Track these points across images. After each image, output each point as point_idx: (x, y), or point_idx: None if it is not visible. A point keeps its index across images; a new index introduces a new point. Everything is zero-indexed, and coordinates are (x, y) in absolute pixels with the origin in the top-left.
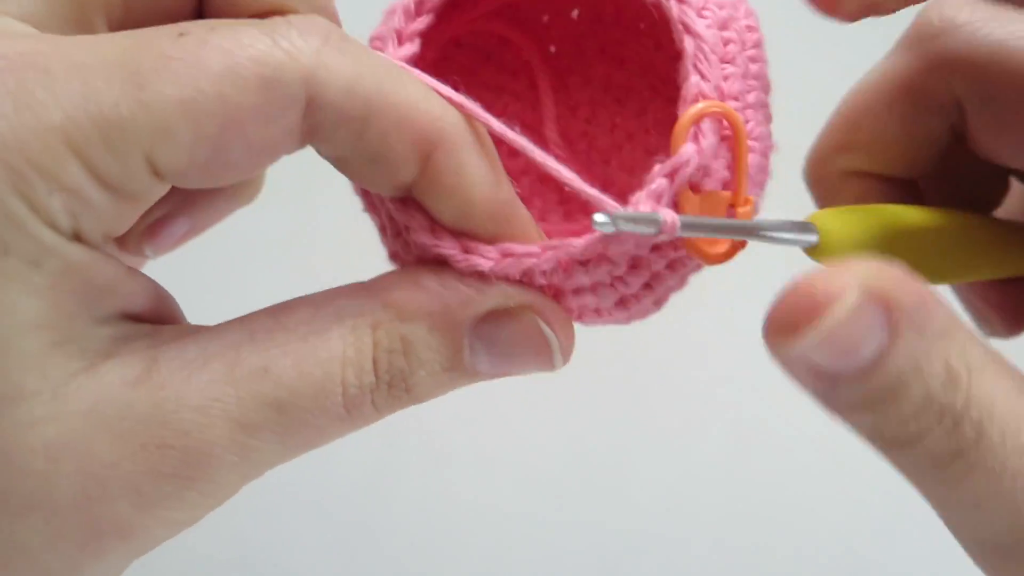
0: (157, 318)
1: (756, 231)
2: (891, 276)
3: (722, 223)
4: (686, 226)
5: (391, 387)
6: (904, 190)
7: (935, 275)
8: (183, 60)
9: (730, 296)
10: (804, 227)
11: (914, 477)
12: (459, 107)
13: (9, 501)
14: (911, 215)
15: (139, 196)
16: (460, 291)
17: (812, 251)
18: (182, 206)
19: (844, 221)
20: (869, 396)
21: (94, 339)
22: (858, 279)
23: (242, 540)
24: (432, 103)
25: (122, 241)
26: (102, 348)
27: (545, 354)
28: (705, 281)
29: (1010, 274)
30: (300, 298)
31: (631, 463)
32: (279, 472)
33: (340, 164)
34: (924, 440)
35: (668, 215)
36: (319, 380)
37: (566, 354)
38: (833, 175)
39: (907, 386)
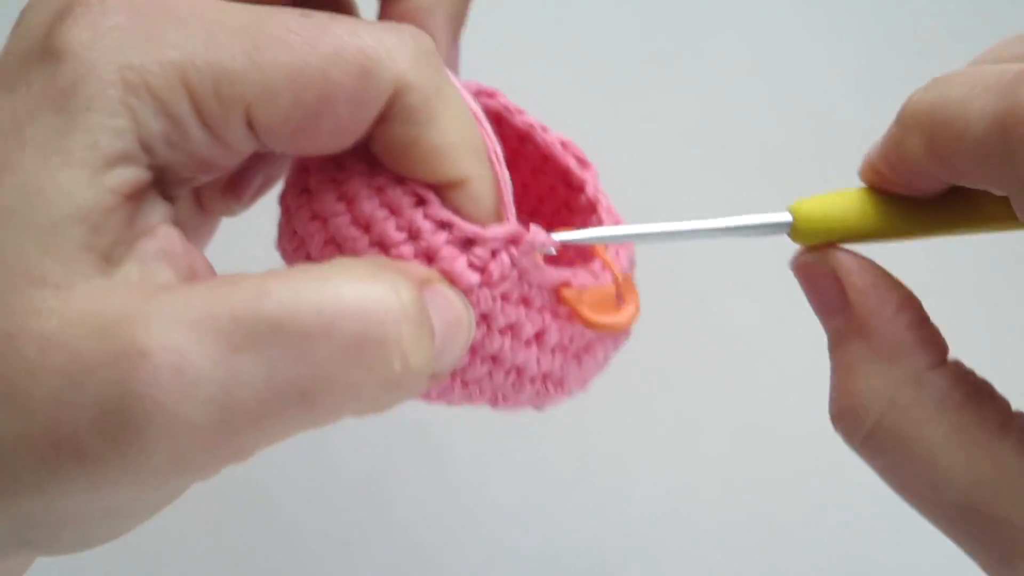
0: (190, 275)
1: (727, 224)
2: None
3: (675, 226)
4: (609, 238)
5: (412, 346)
6: None
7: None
8: (300, 35)
9: (732, 296)
10: (777, 215)
11: None
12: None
13: None
14: (879, 199)
15: (229, 145)
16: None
17: (793, 235)
18: (256, 161)
19: (816, 205)
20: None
21: (123, 257)
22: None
23: (241, 539)
24: (476, 133)
25: (203, 205)
26: (125, 268)
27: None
28: (706, 283)
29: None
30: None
31: (631, 463)
32: (280, 471)
33: (386, 152)
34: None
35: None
36: (321, 306)
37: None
38: None
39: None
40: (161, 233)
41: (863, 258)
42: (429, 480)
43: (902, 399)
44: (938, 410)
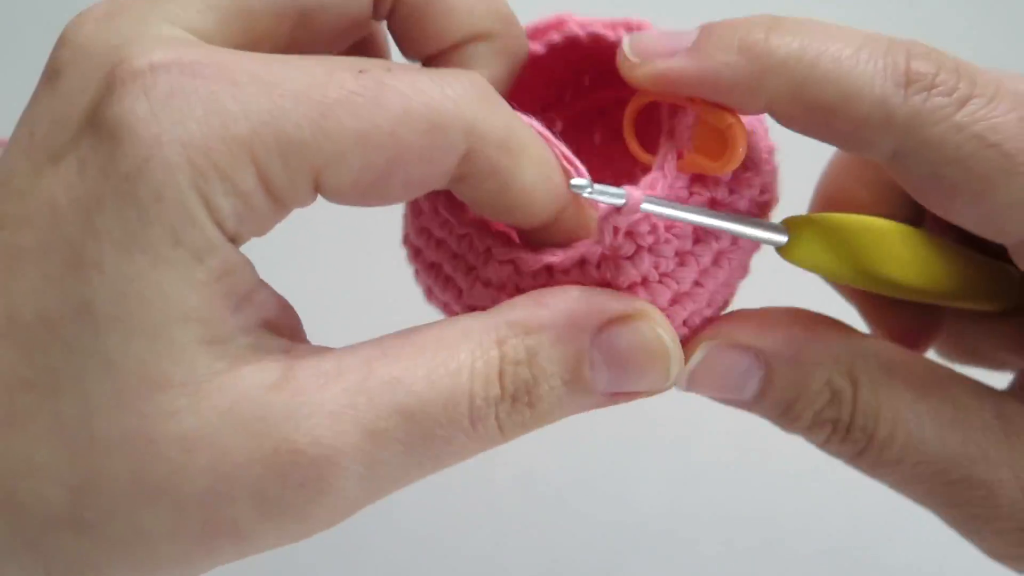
0: (287, 331)
1: (728, 224)
2: (753, 327)
3: (692, 209)
4: (651, 201)
5: (515, 401)
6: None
7: (897, 284)
8: (363, 96)
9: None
10: (776, 228)
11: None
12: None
13: (142, 486)
14: (880, 227)
15: (294, 206)
16: (581, 303)
17: (783, 251)
18: None
19: (814, 226)
20: (771, 416)
21: (237, 344)
22: (705, 340)
23: None
24: (556, 166)
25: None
26: (242, 354)
27: (661, 365)
28: None
29: (954, 300)
30: (427, 323)
31: (632, 463)
32: None
33: (476, 206)
34: (830, 446)
35: (635, 192)
36: (448, 389)
37: (678, 367)
38: None
39: (795, 408)
40: (257, 301)
41: (735, 320)
42: (429, 480)
43: (860, 375)
44: (890, 373)
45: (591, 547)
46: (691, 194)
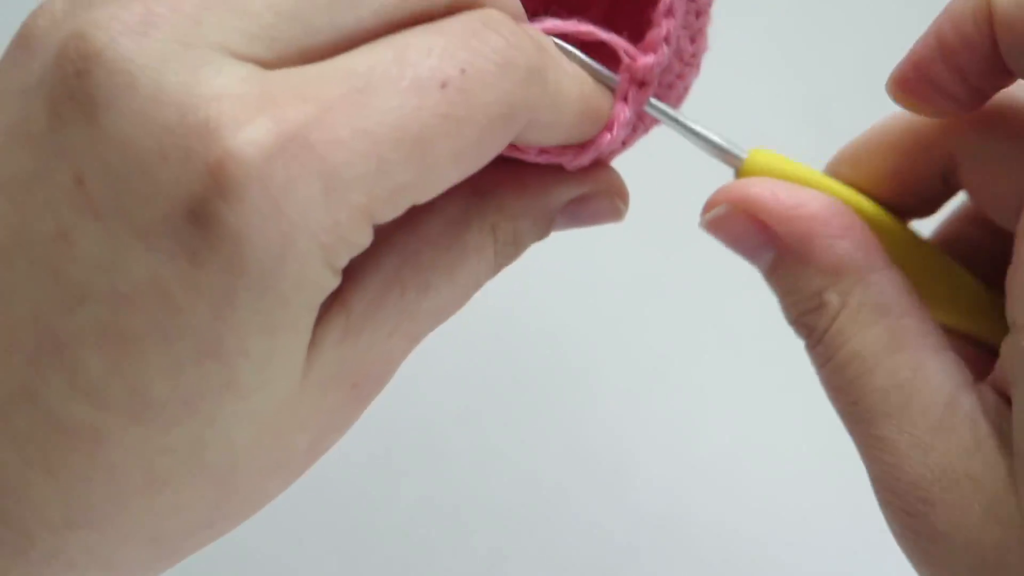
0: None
1: (694, 134)
2: (782, 203)
3: (672, 114)
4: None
5: (498, 267)
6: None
7: None
8: (454, 117)
9: (732, 296)
10: (735, 152)
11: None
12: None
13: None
14: (851, 197)
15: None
16: (555, 186)
17: (737, 175)
18: None
19: (776, 162)
20: (775, 293)
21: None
22: (734, 197)
23: (241, 538)
24: (588, 85)
25: None
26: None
27: (615, 217)
28: (707, 282)
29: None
30: (426, 206)
31: (632, 463)
32: None
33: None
34: (807, 347)
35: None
36: (465, 287)
37: (626, 204)
38: None
39: (786, 299)
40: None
41: (774, 182)
42: (429, 480)
43: (851, 300)
44: (879, 313)
45: (591, 547)
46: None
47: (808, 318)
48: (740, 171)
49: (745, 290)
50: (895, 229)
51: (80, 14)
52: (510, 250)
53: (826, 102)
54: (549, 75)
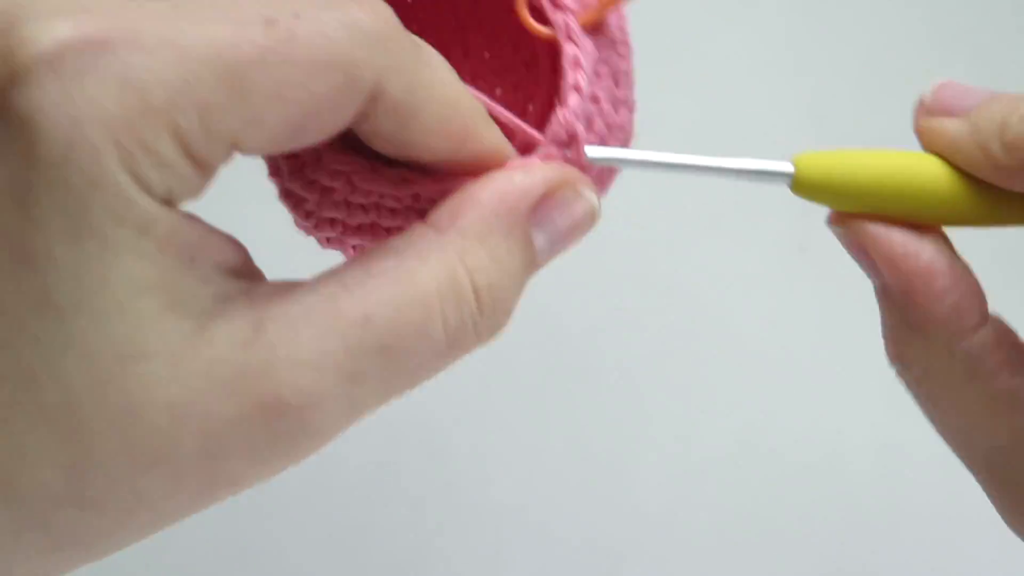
0: (243, 270)
1: (729, 163)
2: (894, 253)
3: (695, 159)
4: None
5: (495, 312)
6: None
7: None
8: (276, 52)
9: (732, 296)
10: (781, 164)
11: None
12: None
13: (137, 457)
14: (891, 160)
15: (219, 167)
16: (512, 184)
17: (794, 188)
18: None
19: (821, 161)
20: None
21: (199, 299)
22: (851, 231)
23: (241, 538)
24: (464, 98)
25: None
26: (207, 307)
27: (592, 217)
28: (706, 283)
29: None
30: (380, 247)
31: (632, 462)
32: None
33: (368, 138)
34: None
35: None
36: (420, 319)
37: (596, 194)
38: None
39: (883, 324)
40: (207, 248)
41: (885, 228)
42: (429, 479)
43: (935, 368)
44: (967, 379)
45: (591, 547)
46: (599, 49)
47: (897, 357)
48: (795, 182)
49: (745, 290)
50: (964, 193)
51: None
52: (494, 280)
53: (826, 102)
54: (406, 55)
